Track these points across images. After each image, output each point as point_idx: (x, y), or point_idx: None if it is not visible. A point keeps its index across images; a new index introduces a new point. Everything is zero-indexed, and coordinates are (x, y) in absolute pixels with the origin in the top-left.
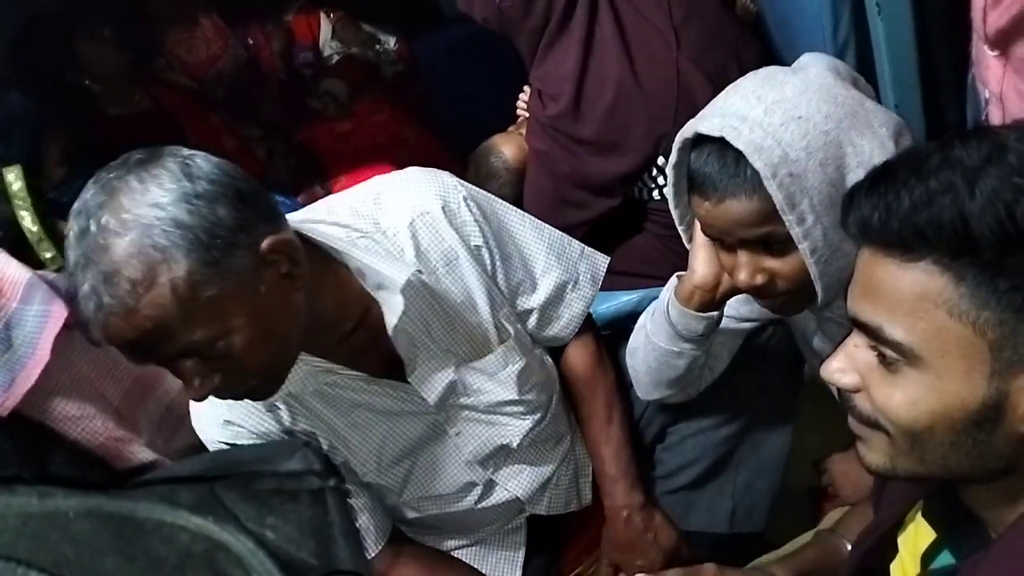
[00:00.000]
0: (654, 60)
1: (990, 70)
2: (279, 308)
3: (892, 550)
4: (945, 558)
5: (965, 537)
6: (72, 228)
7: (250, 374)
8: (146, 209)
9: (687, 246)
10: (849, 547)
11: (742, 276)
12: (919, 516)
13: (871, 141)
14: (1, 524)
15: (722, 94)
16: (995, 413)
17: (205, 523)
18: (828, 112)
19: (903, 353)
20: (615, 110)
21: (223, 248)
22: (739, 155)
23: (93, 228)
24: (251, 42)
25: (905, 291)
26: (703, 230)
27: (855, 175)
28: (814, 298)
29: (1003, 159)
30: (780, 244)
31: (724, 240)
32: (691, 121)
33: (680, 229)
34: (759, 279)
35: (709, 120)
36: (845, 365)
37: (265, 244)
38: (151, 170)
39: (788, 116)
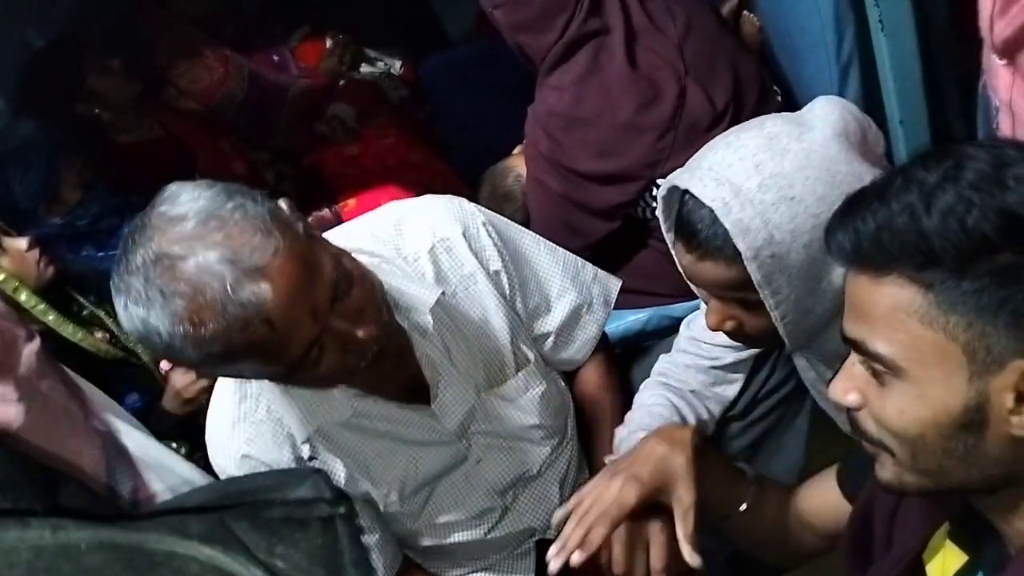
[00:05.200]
0: (661, 94)
1: (999, 78)
2: None
3: (918, 575)
4: None
5: (994, 557)
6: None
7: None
8: None
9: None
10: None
11: (711, 321)
12: (947, 540)
13: None
14: (14, 558)
15: (720, 145)
16: (980, 415)
17: (215, 554)
18: (823, 194)
19: (887, 365)
20: (615, 143)
21: None
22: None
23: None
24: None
25: (880, 305)
26: (683, 272)
27: None
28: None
29: (959, 176)
30: (753, 304)
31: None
32: (684, 172)
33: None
34: (728, 326)
35: (703, 182)
36: (847, 384)
37: None
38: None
39: (781, 196)
